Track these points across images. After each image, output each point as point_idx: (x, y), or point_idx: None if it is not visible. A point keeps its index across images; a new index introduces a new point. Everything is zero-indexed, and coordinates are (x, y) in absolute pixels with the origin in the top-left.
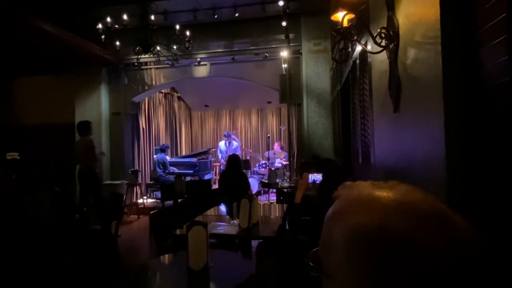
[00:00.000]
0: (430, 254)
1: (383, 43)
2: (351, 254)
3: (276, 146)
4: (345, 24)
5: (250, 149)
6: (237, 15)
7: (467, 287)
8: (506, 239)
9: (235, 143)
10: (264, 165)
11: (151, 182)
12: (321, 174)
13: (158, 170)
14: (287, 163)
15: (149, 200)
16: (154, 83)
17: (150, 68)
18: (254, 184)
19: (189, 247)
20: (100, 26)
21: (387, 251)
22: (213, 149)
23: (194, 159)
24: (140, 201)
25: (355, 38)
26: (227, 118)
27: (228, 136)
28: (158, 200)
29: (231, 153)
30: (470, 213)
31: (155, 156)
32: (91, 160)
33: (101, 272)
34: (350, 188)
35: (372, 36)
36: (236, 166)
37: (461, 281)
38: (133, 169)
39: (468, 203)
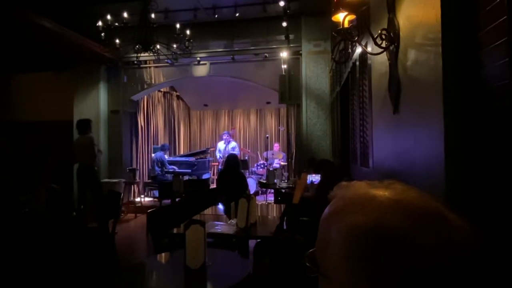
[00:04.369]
0: (427, 253)
1: (383, 45)
2: (348, 254)
3: (276, 146)
4: (346, 25)
5: (249, 149)
6: (237, 15)
7: (464, 286)
8: (504, 239)
9: (233, 143)
10: (262, 166)
11: (149, 180)
12: (319, 175)
13: (156, 168)
14: (285, 163)
15: (147, 199)
16: (153, 82)
17: (150, 67)
18: (252, 184)
19: (187, 246)
20: (100, 23)
21: (384, 250)
22: (211, 149)
23: (192, 159)
24: (138, 199)
25: (356, 39)
26: (226, 117)
27: (227, 137)
28: (155, 199)
29: (229, 153)
30: (469, 214)
31: (153, 154)
32: (92, 158)
33: (97, 270)
34: (346, 188)
35: (372, 37)
36: (234, 166)
37: (458, 280)
38: (131, 168)
39: (467, 205)
